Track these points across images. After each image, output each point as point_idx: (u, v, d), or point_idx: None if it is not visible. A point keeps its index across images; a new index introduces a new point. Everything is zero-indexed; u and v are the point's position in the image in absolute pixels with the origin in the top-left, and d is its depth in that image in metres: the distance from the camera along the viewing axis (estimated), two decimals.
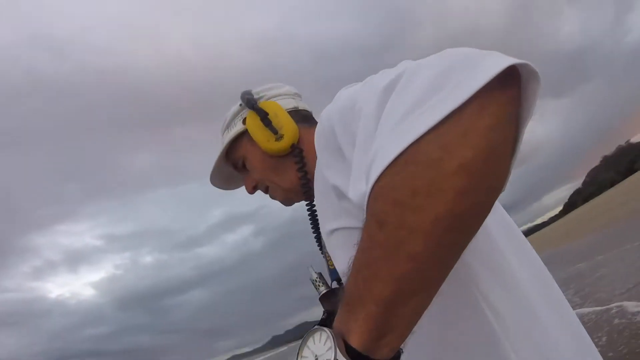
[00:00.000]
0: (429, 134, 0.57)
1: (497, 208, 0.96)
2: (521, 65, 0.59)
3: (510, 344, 0.76)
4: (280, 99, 1.24)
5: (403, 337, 0.61)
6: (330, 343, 0.60)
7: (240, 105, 1.24)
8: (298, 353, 0.65)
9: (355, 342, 0.59)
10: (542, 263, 0.94)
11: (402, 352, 0.63)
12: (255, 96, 1.22)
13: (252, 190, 1.30)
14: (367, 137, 0.68)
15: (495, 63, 0.57)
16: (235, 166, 1.32)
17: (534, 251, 0.95)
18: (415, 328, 0.61)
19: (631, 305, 7.17)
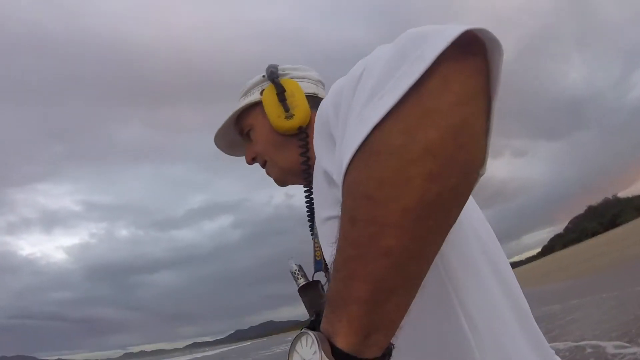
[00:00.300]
0: (390, 118, 0.54)
1: (476, 209, 0.96)
2: (482, 32, 0.55)
3: (479, 352, 0.75)
4: (303, 81, 1.24)
5: (390, 334, 0.59)
6: (315, 347, 0.57)
7: (263, 76, 1.25)
8: (287, 358, 0.64)
9: (341, 344, 0.57)
10: (515, 278, 0.93)
11: (394, 347, 0.62)
12: (280, 72, 1.23)
13: (250, 161, 1.31)
14: (343, 126, 0.67)
15: (451, 31, 0.53)
16: (241, 133, 1.32)
17: (508, 264, 0.94)
18: (403, 323, 0.59)
19: (610, 346, 7.35)
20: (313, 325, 0.64)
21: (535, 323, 0.90)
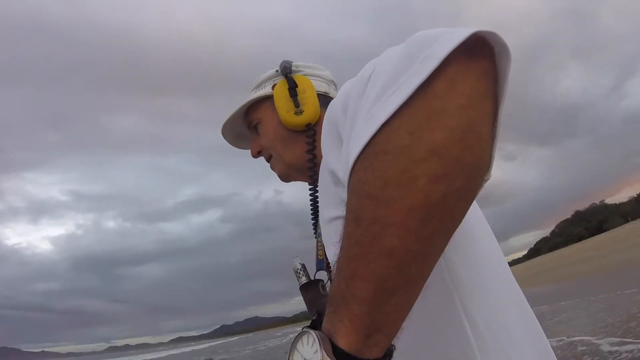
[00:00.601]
0: (397, 117, 0.54)
1: (479, 213, 0.95)
2: (491, 36, 0.56)
3: (481, 355, 0.75)
4: (315, 79, 1.25)
5: (391, 335, 0.58)
6: (317, 346, 0.57)
7: (277, 71, 1.26)
8: (288, 357, 0.63)
9: (342, 344, 0.56)
10: (512, 275, 0.93)
11: (395, 348, 0.61)
12: (294, 68, 1.24)
13: (256, 154, 1.31)
14: (351, 125, 0.68)
15: (460, 33, 0.54)
16: (249, 125, 1.32)
17: (508, 267, 0.94)
18: (405, 324, 0.59)
19: (605, 343, 7.45)
20: (314, 324, 0.64)
21: (538, 324, 0.90)
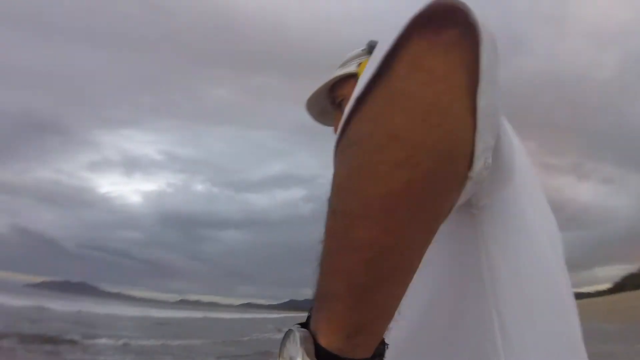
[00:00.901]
0: (361, 106, 0.51)
1: (544, 206, 0.86)
2: (458, 5, 0.50)
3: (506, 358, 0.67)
4: None
5: (375, 334, 0.53)
6: (298, 344, 0.53)
7: (363, 50, 1.27)
8: (279, 353, 0.59)
9: (323, 342, 0.51)
10: (572, 302, 0.81)
11: (387, 347, 0.56)
12: None
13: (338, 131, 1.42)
14: None
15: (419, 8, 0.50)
16: (333, 102, 1.33)
17: (567, 284, 0.82)
18: (392, 324, 0.54)
19: None
20: (307, 321, 0.58)
21: (581, 343, 0.79)
